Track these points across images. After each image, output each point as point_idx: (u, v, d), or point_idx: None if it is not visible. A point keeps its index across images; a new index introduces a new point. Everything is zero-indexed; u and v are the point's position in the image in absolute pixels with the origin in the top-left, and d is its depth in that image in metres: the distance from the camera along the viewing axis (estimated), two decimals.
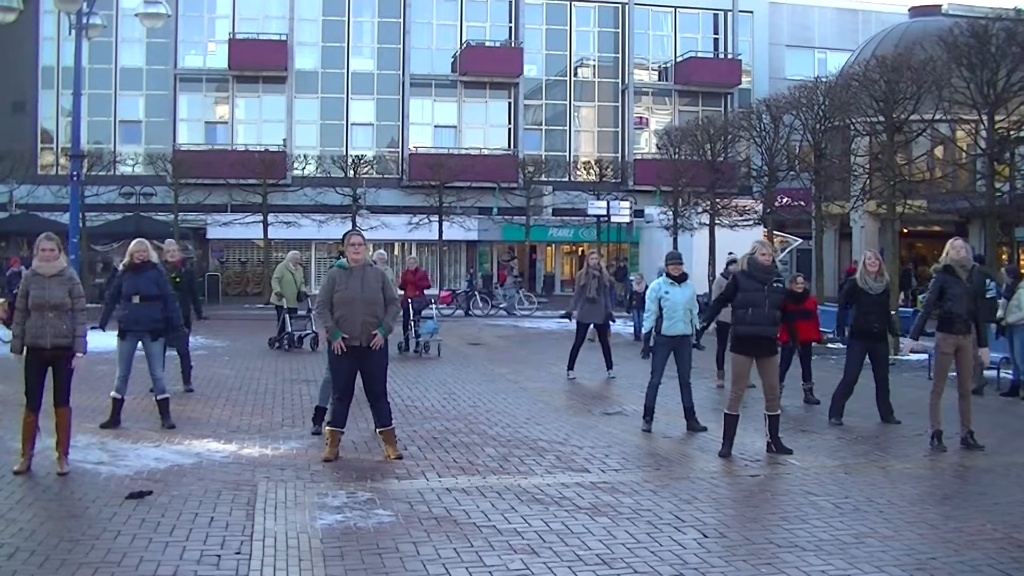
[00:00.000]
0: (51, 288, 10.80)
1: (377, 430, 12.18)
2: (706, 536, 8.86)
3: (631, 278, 31.34)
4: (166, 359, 15.45)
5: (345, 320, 11.68)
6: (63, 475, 10.78)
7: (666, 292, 14.19)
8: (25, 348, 10.92)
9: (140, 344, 14.00)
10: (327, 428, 12.04)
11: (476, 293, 44.00)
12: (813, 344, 18.28)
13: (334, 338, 11.65)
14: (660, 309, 14.27)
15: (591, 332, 20.47)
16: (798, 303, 16.59)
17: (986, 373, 19.07)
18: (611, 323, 20.87)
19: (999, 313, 19.05)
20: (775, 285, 12.46)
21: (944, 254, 13.40)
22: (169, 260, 17.14)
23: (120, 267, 14.46)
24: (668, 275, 14.41)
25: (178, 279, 16.97)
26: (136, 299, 13.88)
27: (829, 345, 26.11)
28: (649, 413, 14.26)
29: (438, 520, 9.26)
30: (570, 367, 20.30)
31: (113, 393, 13.91)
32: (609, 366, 20.35)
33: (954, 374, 13.38)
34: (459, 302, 43.01)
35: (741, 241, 38.94)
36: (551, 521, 9.24)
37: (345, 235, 12.30)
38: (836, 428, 14.51)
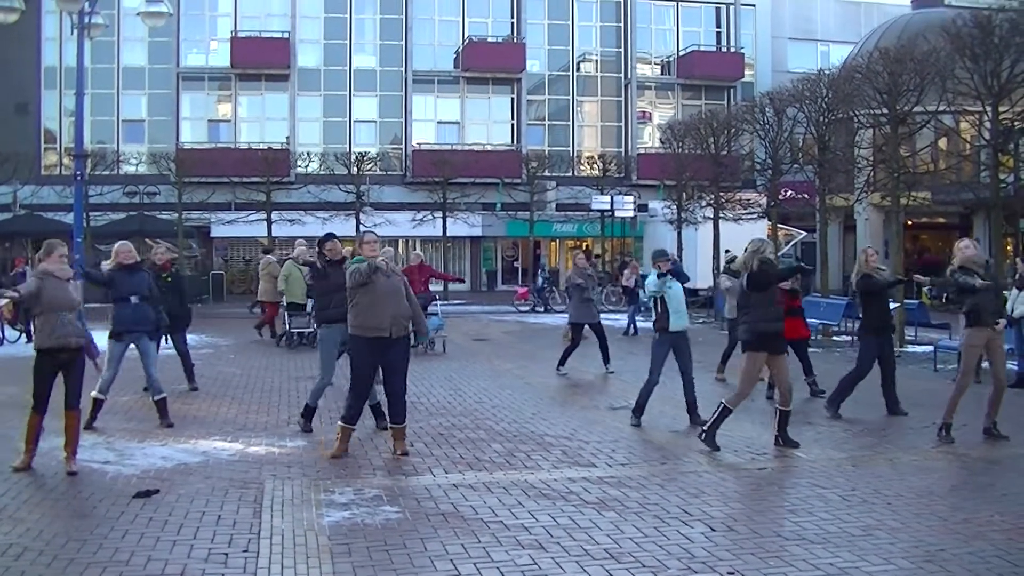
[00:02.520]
0: (67, 290, 10.95)
1: (390, 425, 12.15)
2: (713, 530, 8.85)
3: (627, 271, 31.23)
4: (165, 359, 15.48)
5: (373, 312, 11.67)
6: (72, 474, 10.80)
7: (669, 287, 14.11)
8: (39, 351, 10.92)
9: (133, 345, 13.97)
10: (340, 425, 11.98)
11: (555, 289, 43.55)
12: (811, 339, 18.22)
13: (366, 266, 11.84)
14: (664, 307, 14.18)
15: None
16: (791, 300, 16.48)
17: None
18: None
19: (1008, 305, 19.02)
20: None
21: (953, 258, 13.36)
22: (157, 263, 17.06)
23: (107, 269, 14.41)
24: (665, 271, 14.26)
25: (169, 279, 16.98)
26: (135, 299, 13.86)
27: (835, 338, 26.11)
28: (640, 410, 14.22)
29: (445, 516, 9.26)
30: (561, 363, 20.23)
31: (95, 393, 13.79)
32: (606, 360, 20.31)
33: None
34: (535, 298, 42.35)
35: (745, 235, 38.83)
36: (558, 516, 9.24)
37: (328, 237, 12.56)
38: (842, 421, 14.48)
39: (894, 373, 15.19)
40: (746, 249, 12.68)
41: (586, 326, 20.36)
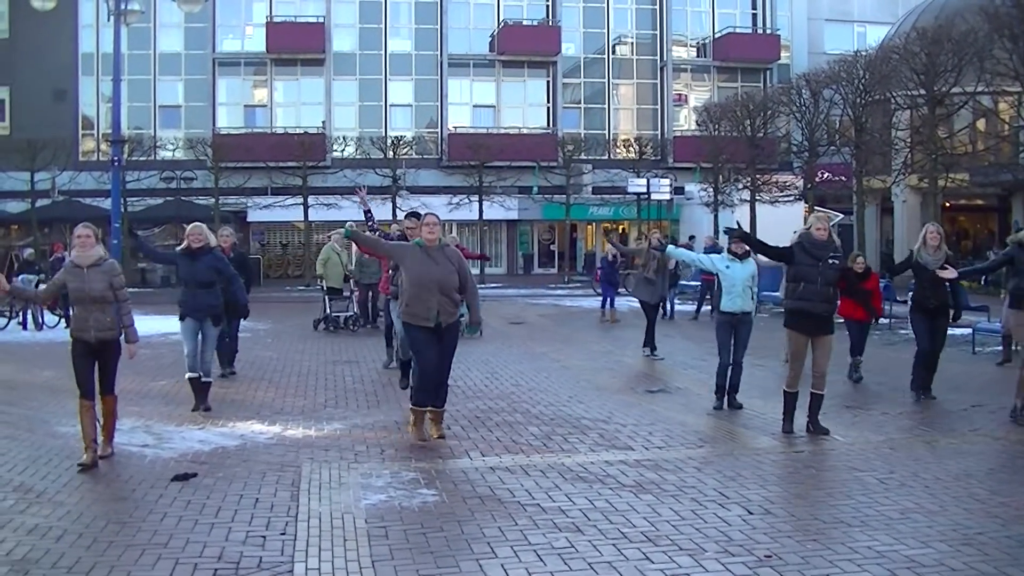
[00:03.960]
0: (90, 280, 10.63)
1: (428, 407, 12.01)
2: (751, 513, 8.83)
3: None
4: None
5: (417, 300, 11.53)
6: (105, 457, 10.83)
7: (726, 267, 13.98)
8: (72, 339, 10.85)
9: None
10: (412, 408, 11.93)
11: (630, 273, 42.08)
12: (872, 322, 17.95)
13: (345, 234, 12.28)
14: (719, 283, 14.21)
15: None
16: (860, 282, 16.10)
17: None
18: (663, 306, 20.55)
19: None
20: (830, 262, 12.20)
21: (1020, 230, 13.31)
22: (222, 246, 17.07)
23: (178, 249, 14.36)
24: (730, 252, 14.18)
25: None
26: (192, 285, 13.87)
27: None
28: (720, 391, 14.08)
29: (482, 499, 9.27)
30: (652, 346, 20.12)
31: (188, 374, 13.91)
32: (647, 344, 20.16)
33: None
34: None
35: (782, 217, 38.94)
36: (595, 499, 9.24)
37: (410, 215, 12.35)
38: (881, 404, 14.39)
39: (938, 357, 14.99)
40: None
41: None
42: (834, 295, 12.31)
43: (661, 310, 27.30)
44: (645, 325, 20.17)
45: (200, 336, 13.92)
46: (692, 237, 39.88)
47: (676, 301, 29.38)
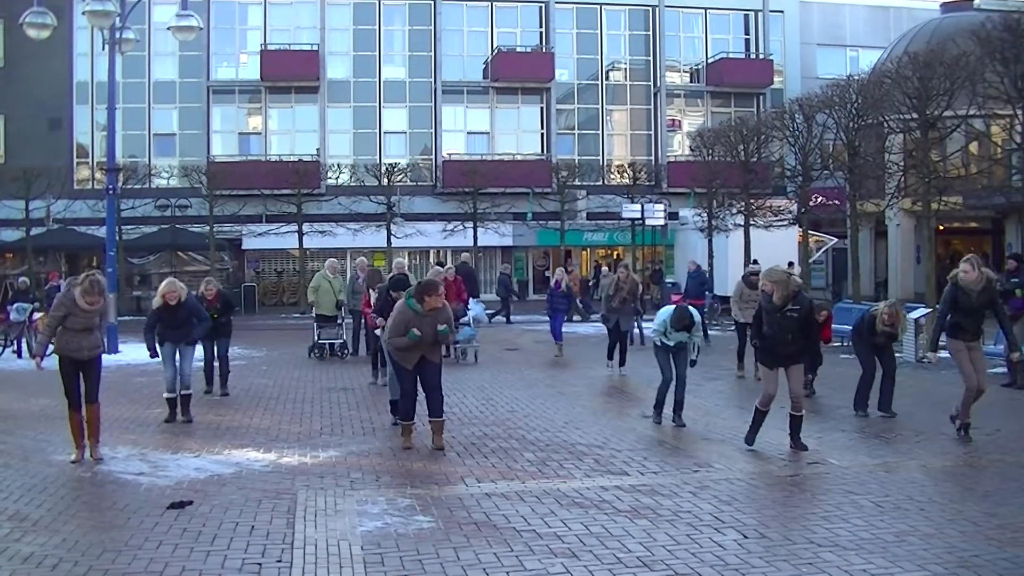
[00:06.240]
0: (90, 318, 12.05)
1: (429, 419, 12.92)
2: (746, 536, 8.84)
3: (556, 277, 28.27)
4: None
5: (406, 351, 12.75)
6: (99, 460, 12.05)
7: (672, 330, 14.38)
8: (59, 356, 12.17)
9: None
10: (401, 423, 13.16)
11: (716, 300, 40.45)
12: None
13: (411, 338, 12.61)
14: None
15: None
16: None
17: None
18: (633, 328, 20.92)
19: None
20: (788, 314, 12.47)
21: None
22: (207, 297, 17.33)
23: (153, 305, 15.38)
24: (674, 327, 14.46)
25: (216, 316, 17.11)
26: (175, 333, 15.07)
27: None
28: (658, 407, 14.94)
29: (478, 525, 9.27)
30: (614, 360, 21.39)
31: (164, 394, 15.20)
32: (622, 363, 21.34)
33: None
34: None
35: (776, 242, 38.90)
36: (591, 524, 9.25)
37: (424, 284, 12.94)
38: (875, 427, 14.40)
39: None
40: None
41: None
42: (797, 338, 12.55)
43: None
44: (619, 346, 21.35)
45: (180, 355, 15.16)
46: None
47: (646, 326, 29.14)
